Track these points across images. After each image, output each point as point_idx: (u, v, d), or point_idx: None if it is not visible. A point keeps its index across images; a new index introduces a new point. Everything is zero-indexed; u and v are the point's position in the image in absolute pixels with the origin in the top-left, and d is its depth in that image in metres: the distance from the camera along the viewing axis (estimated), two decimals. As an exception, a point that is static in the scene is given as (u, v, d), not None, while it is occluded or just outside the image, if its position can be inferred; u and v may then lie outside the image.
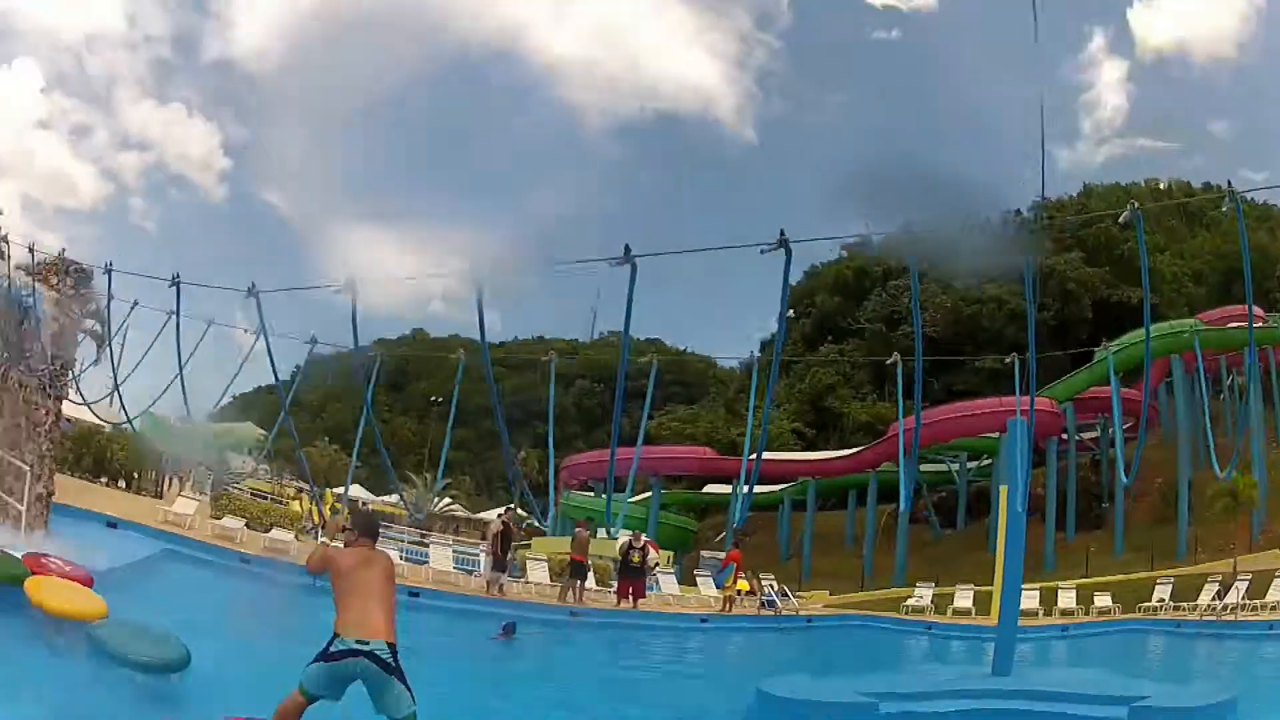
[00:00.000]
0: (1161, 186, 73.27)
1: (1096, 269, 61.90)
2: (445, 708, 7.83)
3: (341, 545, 7.46)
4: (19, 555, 10.91)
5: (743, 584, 26.34)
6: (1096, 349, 37.01)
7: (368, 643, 6.22)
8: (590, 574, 24.12)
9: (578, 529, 24.56)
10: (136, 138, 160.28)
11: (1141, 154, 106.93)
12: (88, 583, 10.85)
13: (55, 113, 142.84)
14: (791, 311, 72.19)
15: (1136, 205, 9.03)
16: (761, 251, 7.69)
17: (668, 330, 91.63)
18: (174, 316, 12.49)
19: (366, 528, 7.22)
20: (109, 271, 10.36)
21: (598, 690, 13.35)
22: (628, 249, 7.46)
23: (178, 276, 8.89)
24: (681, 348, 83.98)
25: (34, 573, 10.24)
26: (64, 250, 16.53)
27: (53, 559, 11.14)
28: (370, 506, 44.95)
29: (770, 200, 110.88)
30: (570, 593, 22.45)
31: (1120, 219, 9.24)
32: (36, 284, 15.83)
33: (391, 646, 6.34)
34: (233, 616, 15.41)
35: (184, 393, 13.01)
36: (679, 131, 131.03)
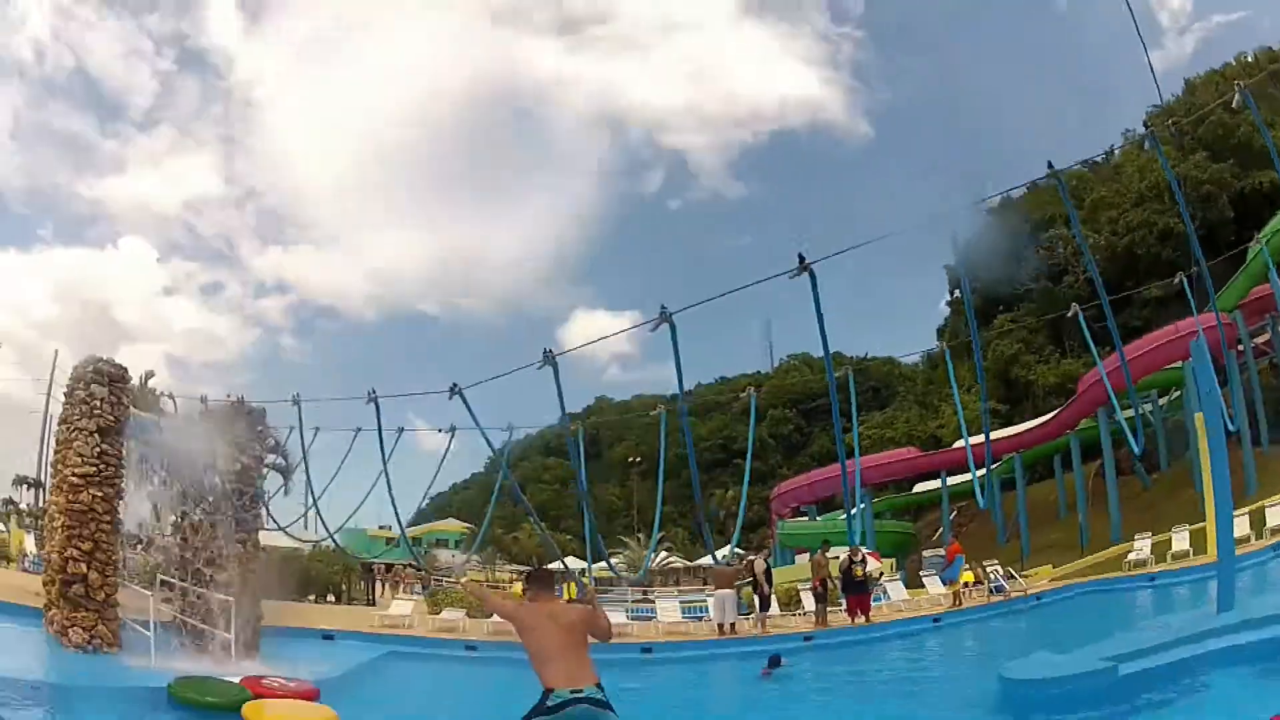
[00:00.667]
0: (1250, 59, 67.93)
1: (1221, 164, 58.16)
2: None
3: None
4: (236, 679, 11.50)
5: (967, 575, 25.82)
6: (1248, 247, 34.61)
7: (582, 690, 6.27)
8: (772, 600, 24.10)
9: (819, 553, 24.73)
10: (273, 282, 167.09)
11: (1221, 32, 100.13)
12: (311, 696, 11.42)
13: (179, 277, 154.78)
14: (955, 291, 70.54)
15: (1242, 84, 8.58)
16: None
17: (839, 339, 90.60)
18: (358, 433, 13.04)
19: (540, 581, 7.19)
20: (297, 402, 10.95)
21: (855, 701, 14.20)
22: (802, 258, 7.40)
23: (374, 392, 9.33)
24: (861, 354, 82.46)
25: (255, 695, 10.76)
26: (233, 396, 17.61)
27: (272, 678, 11.71)
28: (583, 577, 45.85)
29: (905, 181, 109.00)
30: (821, 616, 22.80)
31: (1233, 104, 8.78)
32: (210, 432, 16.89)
33: (599, 686, 6.37)
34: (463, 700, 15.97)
35: (392, 500, 13.42)
36: (795, 144, 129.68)
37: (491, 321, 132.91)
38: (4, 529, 43.79)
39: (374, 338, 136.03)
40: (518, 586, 38.88)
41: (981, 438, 29.59)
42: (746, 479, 19.66)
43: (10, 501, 58.63)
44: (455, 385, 8.91)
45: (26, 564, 35.10)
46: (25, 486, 58.16)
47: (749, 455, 17.72)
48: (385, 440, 13.12)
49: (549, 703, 6.26)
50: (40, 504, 52.45)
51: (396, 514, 12.77)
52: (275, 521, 19.32)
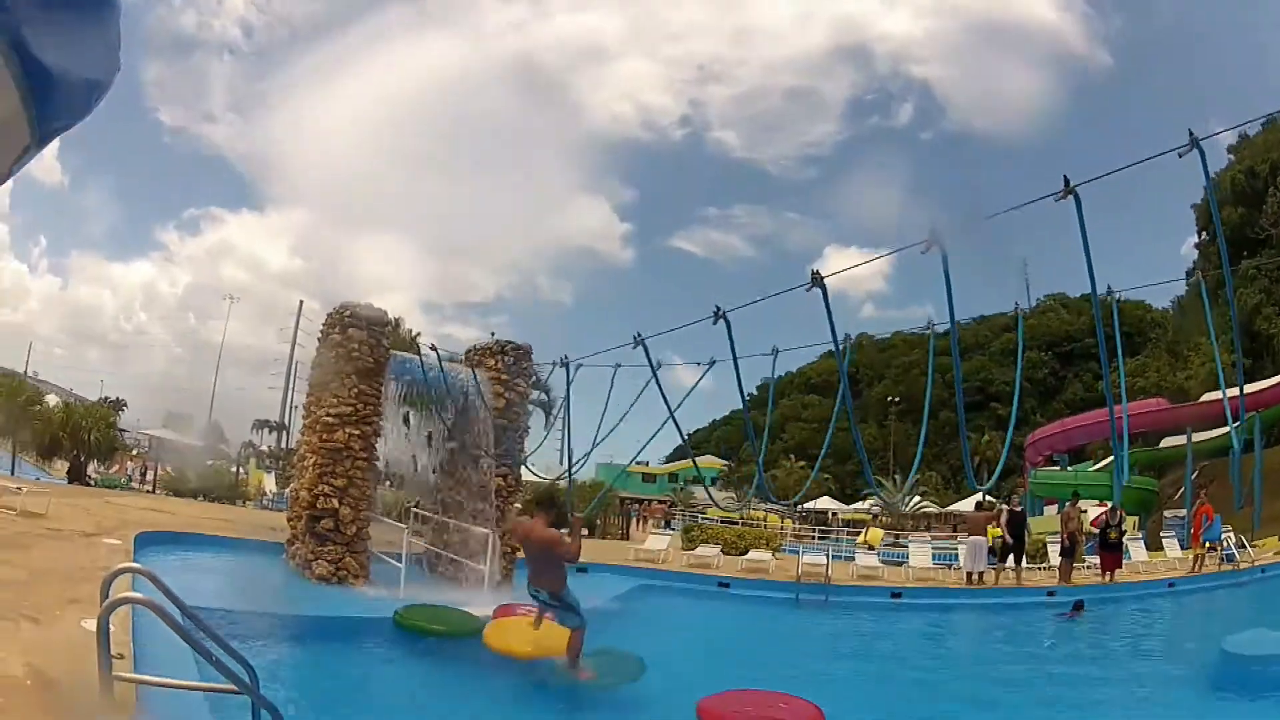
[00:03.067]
0: None
1: None
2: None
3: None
4: (491, 610, 11.73)
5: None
6: None
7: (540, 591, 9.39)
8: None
9: (1068, 506, 23.97)
10: (519, 223, 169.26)
11: None
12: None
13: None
14: (1204, 233, 65.08)
15: None
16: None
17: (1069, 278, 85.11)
18: (617, 369, 12.91)
19: (539, 506, 9.60)
20: (566, 363, 10.97)
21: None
22: (1067, 180, 6.63)
23: (640, 336, 9.14)
24: (1116, 294, 77.15)
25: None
26: (494, 334, 17.95)
27: (520, 607, 11.86)
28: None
29: (1158, 109, 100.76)
30: (1064, 572, 22.21)
31: None
32: (474, 370, 17.27)
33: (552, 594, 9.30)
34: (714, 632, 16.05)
35: (678, 428, 13.09)
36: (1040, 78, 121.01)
37: (748, 257, 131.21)
38: (244, 471, 47.13)
39: (630, 275, 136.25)
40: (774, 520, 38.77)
41: (1232, 391, 26.97)
42: (1013, 420, 18.43)
43: (250, 444, 63.18)
44: (719, 308, 8.49)
45: (265, 502, 37.76)
46: (266, 429, 62.60)
47: (1016, 394, 16.42)
48: (643, 377, 12.91)
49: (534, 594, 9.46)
50: (282, 446, 56.31)
51: (682, 436, 12.45)
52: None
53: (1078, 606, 17.49)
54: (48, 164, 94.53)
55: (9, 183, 1.98)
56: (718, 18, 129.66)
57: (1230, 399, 19.94)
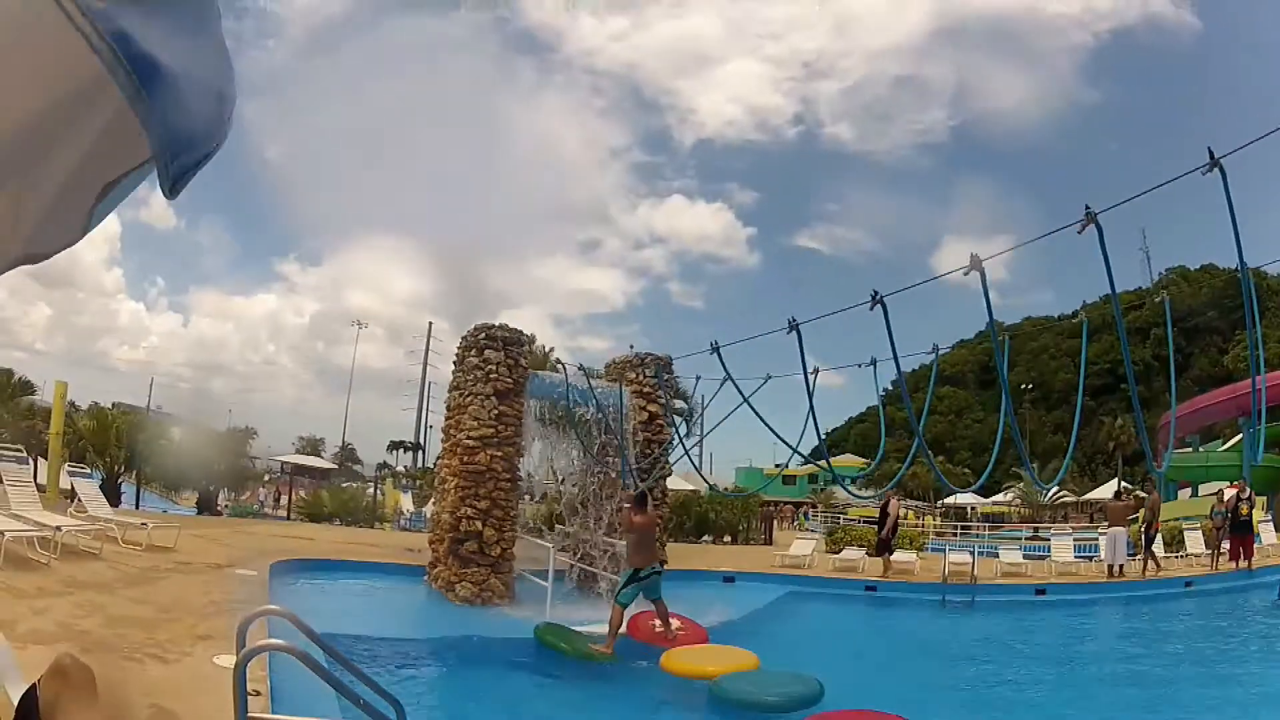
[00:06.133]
0: None
1: None
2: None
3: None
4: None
5: None
6: None
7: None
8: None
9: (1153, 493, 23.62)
10: (646, 236, 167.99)
11: None
12: (701, 637, 11.40)
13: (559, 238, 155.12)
14: None
15: None
16: (1203, 173, 5.93)
17: (1207, 250, 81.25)
18: (767, 379, 12.30)
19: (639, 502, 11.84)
20: (717, 349, 10.49)
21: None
22: (1211, 153, 5.88)
23: (794, 320, 8.53)
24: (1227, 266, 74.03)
25: (641, 636, 11.25)
26: (632, 346, 17.64)
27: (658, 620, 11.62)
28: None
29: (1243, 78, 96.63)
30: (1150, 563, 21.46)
31: None
32: (622, 386, 16.96)
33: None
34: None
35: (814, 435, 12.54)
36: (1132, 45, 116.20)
37: (871, 249, 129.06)
38: (380, 491, 47.64)
39: (755, 275, 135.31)
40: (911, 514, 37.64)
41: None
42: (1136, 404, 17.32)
43: (385, 465, 64.00)
44: (876, 292, 7.81)
45: (403, 522, 37.98)
46: (401, 450, 63.50)
47: (1131, 377, 15.38)
48: (773, 376, 12.25)
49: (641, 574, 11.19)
50: (418, 466, 56.88)
51: (819, 434, 11.87)
52: (691, 463, 19.18)
53: None
54: (159, 211, 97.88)
55: (117, 225, 1.42)
56: (816, 10, 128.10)
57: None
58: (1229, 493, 22.81)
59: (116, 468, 30.95)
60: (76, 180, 1.44)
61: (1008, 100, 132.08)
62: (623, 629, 11.10)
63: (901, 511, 46.14)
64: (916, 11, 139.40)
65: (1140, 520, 21.97)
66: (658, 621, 11.28)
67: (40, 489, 17.11)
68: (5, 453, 15.17)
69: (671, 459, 18.14)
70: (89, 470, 22.22)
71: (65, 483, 19.90)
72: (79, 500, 16.62)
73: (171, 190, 1.40)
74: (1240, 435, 42.78)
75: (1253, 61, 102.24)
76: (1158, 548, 22.34)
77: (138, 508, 29.42)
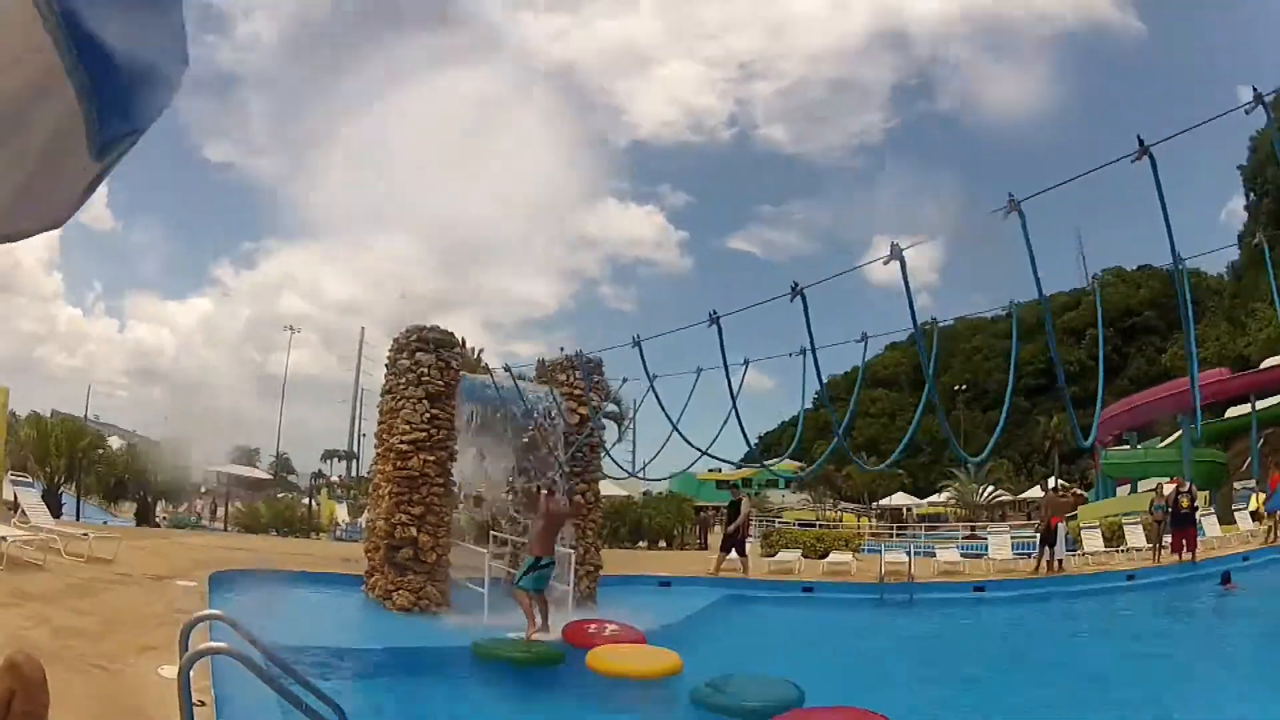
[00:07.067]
0: None
1: None
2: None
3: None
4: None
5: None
6: None
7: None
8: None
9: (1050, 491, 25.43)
10: (577, 237, 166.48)
11: None
12: (638, 641, 11.44)
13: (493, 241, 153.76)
14: (1251, 194, 64.27)
15: None
16: (1132, 161, 6.25)
17: (1145, 251, 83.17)
18: (700, 373, 12.24)
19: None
20: (638, 344, 10.32)
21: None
22: (1141, 140, 6.16)
23: (715, 313, 8.49)
24: (1183, 262, 75.83)
25: (575, 643, 11.18)
26: (563, 349, 17.69)
27: (605, 624, 11.82)
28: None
29: (1188, 78, 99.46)
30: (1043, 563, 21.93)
31: None
32: (551, 387, 16.96)
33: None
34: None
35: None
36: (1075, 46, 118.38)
37: (806, 254, 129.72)
38: (315, 502, 47.28)
39: (687, 278, 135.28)
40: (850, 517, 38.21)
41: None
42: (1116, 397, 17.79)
43: (320, 475, 63.13)
44: (714, 312, 7.99)
45: (339, 533, 37.79)
46: (335, 459, 62.73)
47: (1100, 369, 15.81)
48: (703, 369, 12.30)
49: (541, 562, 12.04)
50: (351, 475, 56.26)
51: (747, 439, 11.88)
52: (622, 468, 19.31)
53: (1226, 579, 17.69)
54: (98, 210, 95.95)
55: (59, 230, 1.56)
56: (753, 12, 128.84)
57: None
58: (1168, 488, 23.43)
59: (56, 478, 30.55)
60: (53, 159, 1.40)
61: (944, 104, 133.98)
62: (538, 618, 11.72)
63: (835, 514, 46.92)
64: (855, 14, 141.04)
65: (1043, 521, 22.42)
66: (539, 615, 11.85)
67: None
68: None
69: (604, 463, 18.23)
70: (30, 480, 21.93)
71: (7, 493, 19.62)
72: (22, 511, 16.45)
73: (99, 154, 1.40)
74: (1179, 432, 44.01)
75: (1200, 61, 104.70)
76: (1096, 543, 23.14)
77: (78, 518, 28.98)
